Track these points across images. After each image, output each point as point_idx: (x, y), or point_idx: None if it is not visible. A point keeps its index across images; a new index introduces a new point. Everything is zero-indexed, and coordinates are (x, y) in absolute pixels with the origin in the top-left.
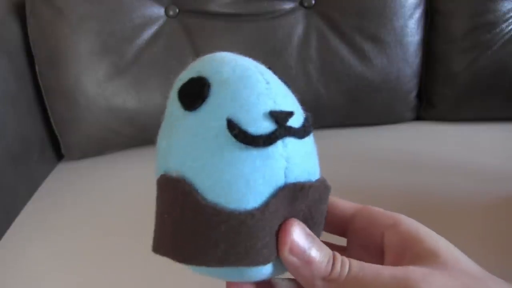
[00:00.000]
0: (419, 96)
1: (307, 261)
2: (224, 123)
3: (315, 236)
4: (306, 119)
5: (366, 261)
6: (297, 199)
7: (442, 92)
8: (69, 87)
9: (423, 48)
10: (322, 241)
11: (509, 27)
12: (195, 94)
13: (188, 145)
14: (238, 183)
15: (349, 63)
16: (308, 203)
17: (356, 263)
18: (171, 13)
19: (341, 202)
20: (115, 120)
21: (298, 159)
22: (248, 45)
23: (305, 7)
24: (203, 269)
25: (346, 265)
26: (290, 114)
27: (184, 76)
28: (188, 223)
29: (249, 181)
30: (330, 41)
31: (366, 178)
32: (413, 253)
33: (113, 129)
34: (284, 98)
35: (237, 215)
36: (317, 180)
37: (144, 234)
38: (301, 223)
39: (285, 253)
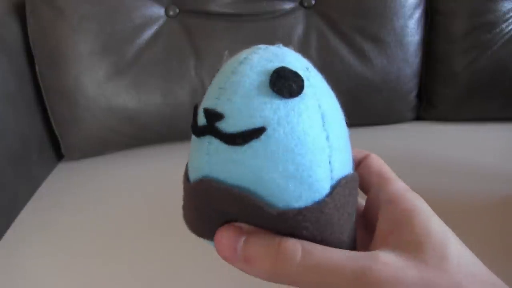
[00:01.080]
0: (419, 96)
1: (244, 260)
2: None
3: (256, 231)
4: (248, 130)
5: (361, 234)
6: (213, 199)
7: (442, 92)
8: (69, 87)
9: (423, 48)
10: None
11: (509, 27)
12: None
13: None
14: (190, 157)
15: (349, 63)
16: (240, 210)
17: (309, 250)
18: (171, 13)
19: (375, 165)
20: (115, 120)
21: (221, 161)
22: (248, 45)
23: (305, 7)
24: None
25: (296, 253)
26: (217, 116)
27: None
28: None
29: (191, 160)
30: (330, 41)
31: None
32: (399, 239)
33: (113, 129)
34: (227, 101)
35: (185, 182)
36: (240, 192)
37: (144, 233)
38: (229, 226)
39: (223, 259)
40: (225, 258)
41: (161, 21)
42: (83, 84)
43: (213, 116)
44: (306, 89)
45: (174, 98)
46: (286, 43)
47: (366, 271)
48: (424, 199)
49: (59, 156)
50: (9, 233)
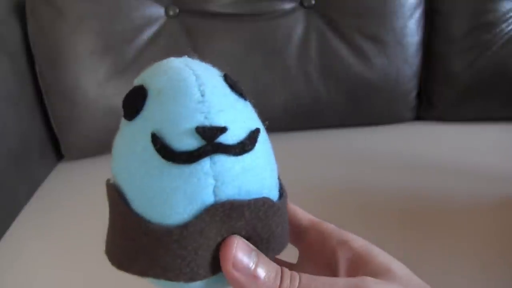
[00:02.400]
0: (419, 96)
1: (253, 276)
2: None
3: (260, 252)
4: (249, 134)
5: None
6: (230, 218)
7: (442, 92)
8: (69, 87)
9: (423, 48)
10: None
11: (509, 27)
12: (132, 104)
13: (123, 155)
14: (159, 198)
15: (349, 63)
16: (248, 221)
17: (306, 276)
18: (171, 13)
19: (300, 212)
20: (115, 120)
21: (231, 177)
22: (248, 45)
23: (305, 7)
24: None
25: (296, 278)
26: (221, 130)
27: (135, 82)
28: (117, 231)
29: (169, 198)
30: (330, 41)
31: (366, 178)
32: (368, 269)
33: (113, 129)
34: (221, 113)
35: (156, 230)
36: (258, 198)
37: None
38: (243, 239)
39: (229, 269)
40: (237, 268)
41: (161, 21)
42: (83, 84)
43: (215, 132)
44: None
45: None
46: (286, 43)
47: (359, 281)
48: (424, 199)
49: (59, 156)
50: (9, 233)
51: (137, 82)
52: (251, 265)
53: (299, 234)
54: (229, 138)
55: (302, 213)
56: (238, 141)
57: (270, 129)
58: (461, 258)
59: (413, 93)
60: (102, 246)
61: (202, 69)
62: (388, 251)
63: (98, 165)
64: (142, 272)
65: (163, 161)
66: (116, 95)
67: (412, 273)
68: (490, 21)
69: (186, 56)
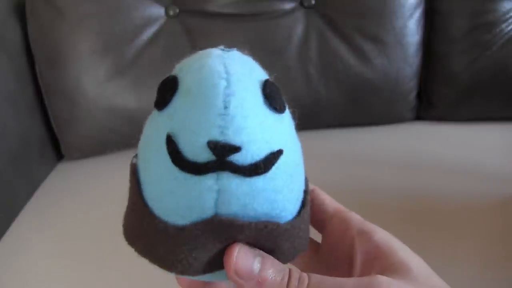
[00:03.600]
0: (419, 96)
1: (258, 281)
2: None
3: (266, 255)
4: (267, 156)
5: (332, 264)
6: (230, 232)
7: (442, 92)
8: (69, 87)
9: (423, 48)
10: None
11: (509, 27)
12: (163, 94)
13: (145, 142)
14: (164, 197)
15: (349, 63)
16: (249, 236)
17: (316, 277)
18: (171, 13)
19: (328, 199)
20: (115, 120)
21: (236, 196)
22: (248, 45)
23: (305, 7)
24: None
25: (305, 280)
26: (234, 149)
27: (175, 69)
28: (129, 208)
29: (172, 200)
30: (330, 41)
31: (366, 178)
32: (385, 263)
33: (113, 129)
34: (239, 130)
35: (157, 223)
36: (259, 222)
37: None
38: (245, 245)
39: (232, 276)
40: (239, 276)
41: (161, 21)
42: (83, 84)
43: (227, 150)
44: None
45: None
46: (286, 43)
47: (368, 284)
48: (423, 199)
49: (59, 156)
50: (9, 233)
51: (175, 71)
52: (255, 269)
53: (323, 221)
54: (242, 158)
55: (329, 201)
56: (252, 162)
57: None
58: (461, 258)
59: (413, 93)
60: (102, 246)
61: (240, 72)
62: None
63: (98, 165)
64: (141, 253)
65: (172, 164)
66: (116, 95)
67: (432, 272)
68: (490, 21)
69: (235, 49)
